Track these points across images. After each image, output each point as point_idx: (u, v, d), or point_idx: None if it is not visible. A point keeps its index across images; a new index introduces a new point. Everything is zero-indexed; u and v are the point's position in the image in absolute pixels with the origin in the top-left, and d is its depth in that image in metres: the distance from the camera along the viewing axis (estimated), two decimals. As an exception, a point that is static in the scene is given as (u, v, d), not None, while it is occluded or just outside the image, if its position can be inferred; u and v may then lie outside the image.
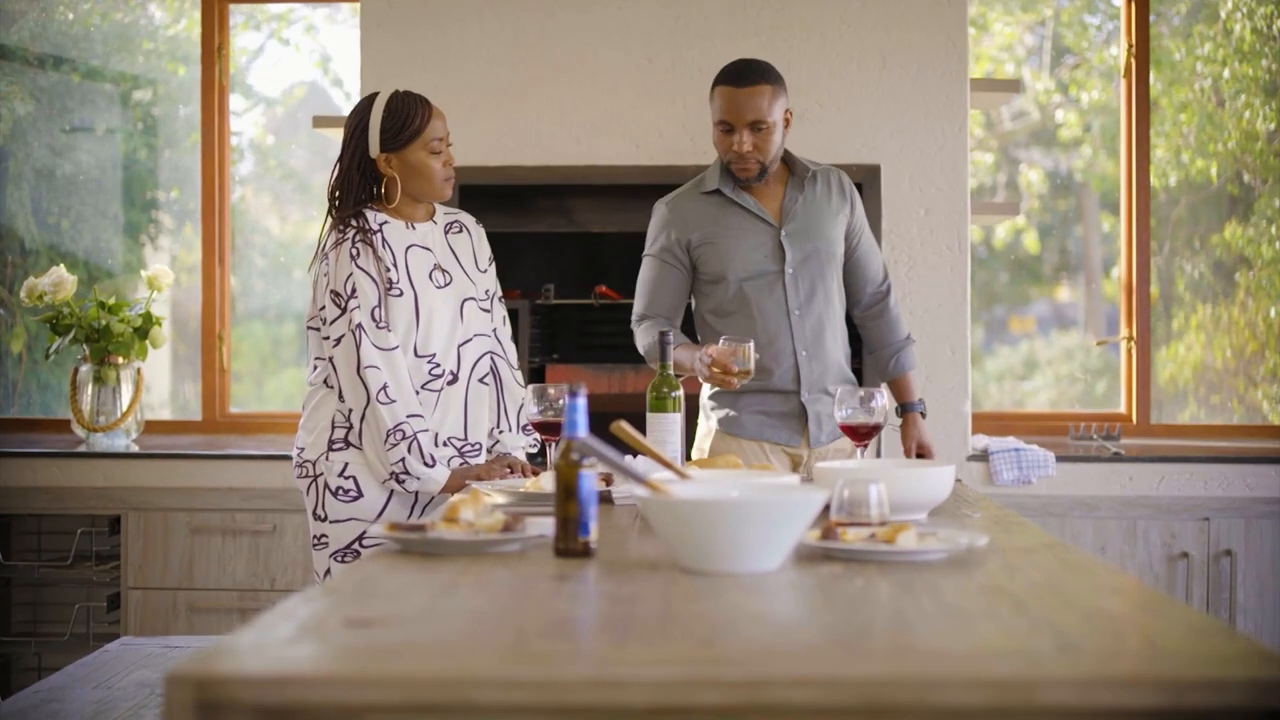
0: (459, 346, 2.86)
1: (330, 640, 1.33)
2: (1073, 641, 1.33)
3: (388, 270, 2.76)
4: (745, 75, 3.00)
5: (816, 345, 3.09)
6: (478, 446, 2.91)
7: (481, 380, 2.91)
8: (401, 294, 2.77)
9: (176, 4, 5.01)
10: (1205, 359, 4.94)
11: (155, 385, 5.06)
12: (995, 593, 1.59)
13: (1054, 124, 6.47)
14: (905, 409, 3.23)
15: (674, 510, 1.71)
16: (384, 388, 2.70)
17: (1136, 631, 1.39)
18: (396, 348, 2.74)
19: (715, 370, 2.78)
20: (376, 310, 2.73)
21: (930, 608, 1.49)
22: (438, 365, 2.82)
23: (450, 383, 2.85)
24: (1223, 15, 5.00)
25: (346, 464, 2.76)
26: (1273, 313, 4.82)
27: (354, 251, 2.74)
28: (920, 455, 3.18)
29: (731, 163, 3.04)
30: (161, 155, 5.05)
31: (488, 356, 2.94)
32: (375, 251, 2.76)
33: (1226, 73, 4.97)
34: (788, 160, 3.15)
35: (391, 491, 2.78)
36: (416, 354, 2.80)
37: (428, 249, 2.87)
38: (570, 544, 1.83)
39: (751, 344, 2.79)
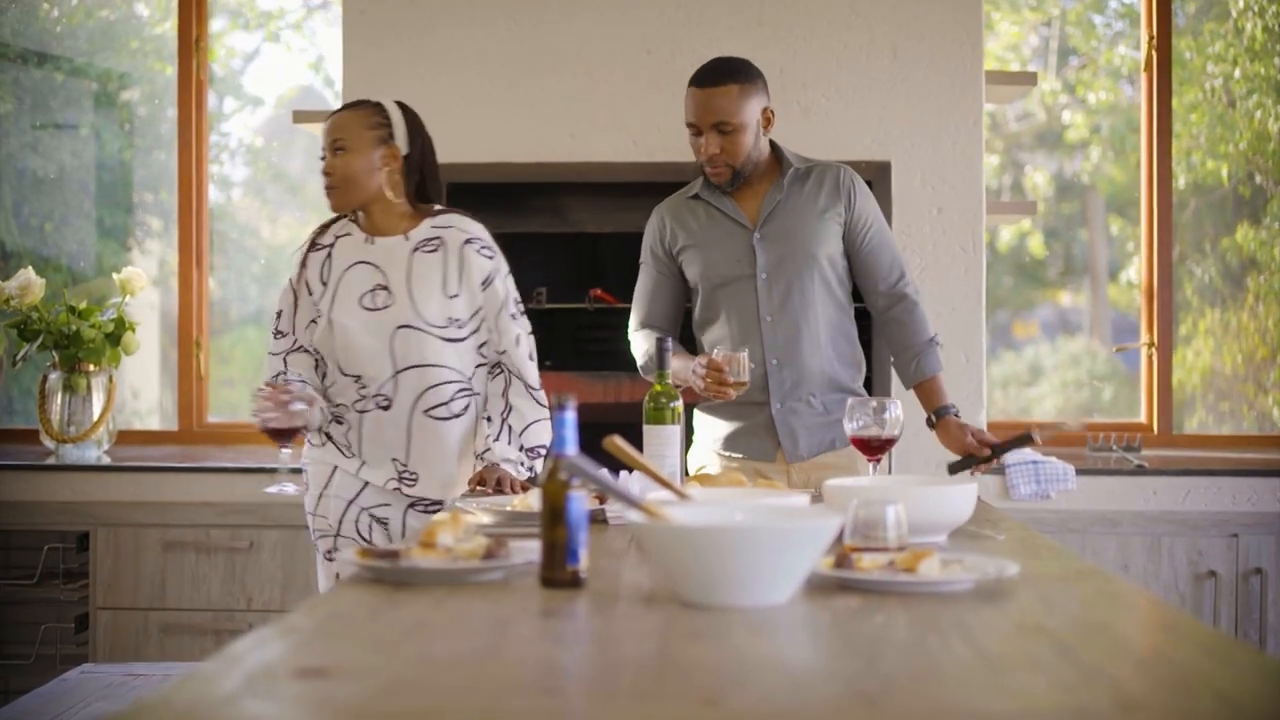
0: (396, 374, 2.76)
1: (278, 696, 1.18)
2: (1134, 698, 1.16)
3: (310, 293, 2.82)
4: (709, 75, 2.91)
5: (790, 353, 2.94)
6: (414, 476, 2.79)
7: (428, 413, 2.77)
8: (320, 314, 2.80)
9: (165, 1, 4.86)
10: (1214, 365, 4.86)
11: (143, 392, 4.92)
12: (1034, 633, 1.43)
13: (1060, 125, 6.36)
14: (940, 414, 2.94)
15: (673, 537, 1.55)
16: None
17: (1205, 684, 1.22)
18: (278, 354, 2.85)
19: (710, 380, 2.70)
20: (281, 314, 2.86)
21: (962, 652, 1.33)
22: (365, 386, 2.78)
23: (384, 408, 2.77)
24: (1234, 14, 4.90)
25: (303, 454, 2.89)
26: (1284, 317, 4.72)
27: (302, 260, 2.86)
28: (983, 443, 2.86)
29: (704, 166, 2.96)
30: (149, 156, 4.90)
31: (465, 396, 2.80)
32: (307, 266, 2.84)
33: (1238, 72, 4.89)
34: (778, 158, 3.03)
35: (322, 492, 2.83)
36: (343, 373, 2.80)
37: (376, 266, 2.77)
38: (557, 573, 1.68)
39: (745, 354, 2.72)
